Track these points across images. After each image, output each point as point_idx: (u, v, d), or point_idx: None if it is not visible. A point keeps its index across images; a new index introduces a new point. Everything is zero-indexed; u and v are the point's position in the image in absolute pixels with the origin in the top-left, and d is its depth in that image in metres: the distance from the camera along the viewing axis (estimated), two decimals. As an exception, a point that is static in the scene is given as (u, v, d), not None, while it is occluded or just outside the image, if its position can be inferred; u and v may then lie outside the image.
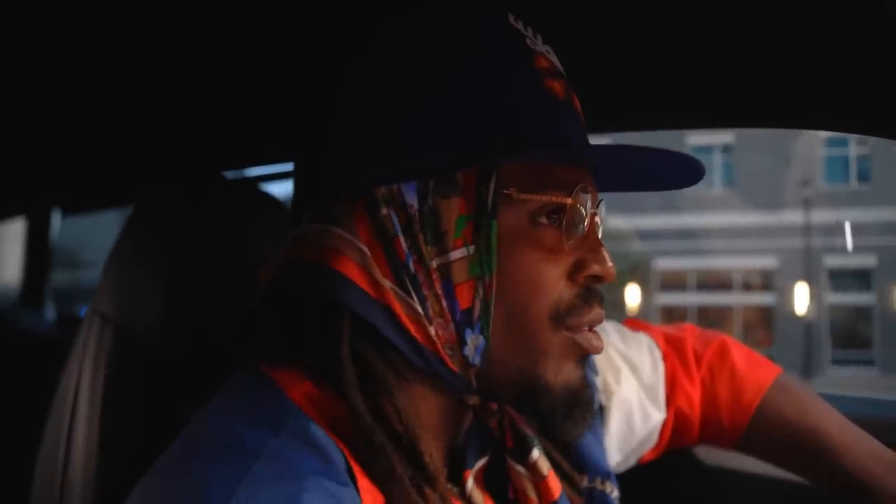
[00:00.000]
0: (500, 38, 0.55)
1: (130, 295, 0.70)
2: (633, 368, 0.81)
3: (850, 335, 12.36)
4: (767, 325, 13.10)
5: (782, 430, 0.76)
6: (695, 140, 12.12)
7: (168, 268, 0.70)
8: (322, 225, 0.54)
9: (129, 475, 0.49)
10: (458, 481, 0.58)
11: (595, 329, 0.57)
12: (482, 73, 0.53)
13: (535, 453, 0.60)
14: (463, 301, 0.52)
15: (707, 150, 12.64)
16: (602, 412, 0.78)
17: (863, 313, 12.35)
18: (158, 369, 0.70)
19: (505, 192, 0.52)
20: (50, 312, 2.17)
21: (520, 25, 0.56)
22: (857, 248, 11.39)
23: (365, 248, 0.52)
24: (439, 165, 0.52)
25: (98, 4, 0.84)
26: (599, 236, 0.58)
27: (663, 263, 13.41)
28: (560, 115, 0.55)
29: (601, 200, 0.58)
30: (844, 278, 12.35)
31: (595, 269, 0.55)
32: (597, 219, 0.57)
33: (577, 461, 0.70)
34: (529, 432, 0.61)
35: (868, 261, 11.67)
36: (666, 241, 12.99)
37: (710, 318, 13.01)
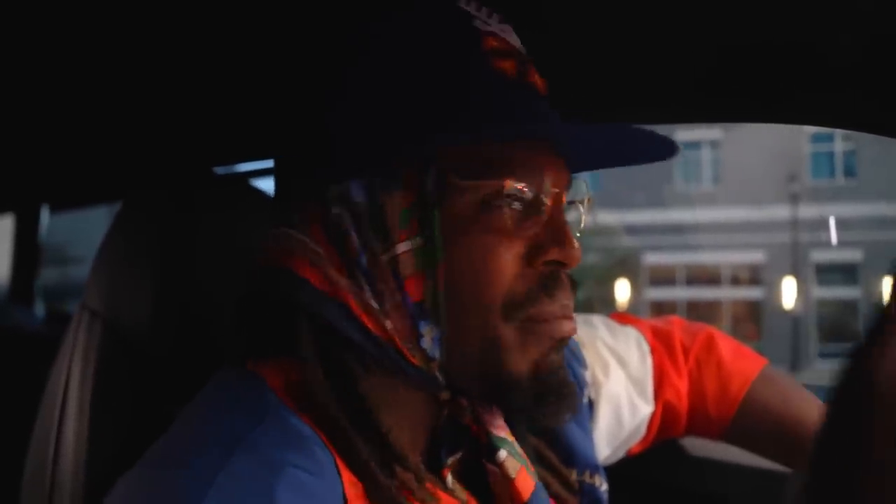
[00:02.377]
0: (439, 23, 0.54)
1: (120, 291, 0.70)
2: (621, 362, 0.81)
3: (836, 329, 12.47)
4: (755, 320, 13.19)
5: (768, 421, 0.77)
6: (683, 136, 12.17)
7: (157, 263, 0.70)
8: (281, 228, 0.55)
9: (118, 470, 0.49)
10: (439, 478, 0.58)
11: (567, 314, 0.54)
12: (418, 60, 0.52)
13: (503, 454, 0.58)
14: (413, 294, 0.52)
15: (695, 145, 12.69)
16: (591, 406, 0.78)
17: (849, 307, 12.46)
18: (148, 365, 0.70)
19: (448, 179, 0.51)
20: (39, 309, 2.16)
21: (471, 8, 0.55)
22: (844, 243, 11.49)
23: (318, 248, 0.53)
24: (369, 159, 0.52)
25: (86, 1, 0.84)
26: (567, 219, 0.55)
27: (652, 258, 13.46)
28: (507, 94, 0.53)
29: (571, 180, 0.56)
30: (831, 273, 12.45)
31: (554, 252, 0.52)
32: (565, 199, 0.55)
33: (565, 455, 0.70)
34: (497, 432, 0.59)
35: (854, 255, 11.77)
36: (654, 236, 13.03)
37: (699, 312, 13.08)
